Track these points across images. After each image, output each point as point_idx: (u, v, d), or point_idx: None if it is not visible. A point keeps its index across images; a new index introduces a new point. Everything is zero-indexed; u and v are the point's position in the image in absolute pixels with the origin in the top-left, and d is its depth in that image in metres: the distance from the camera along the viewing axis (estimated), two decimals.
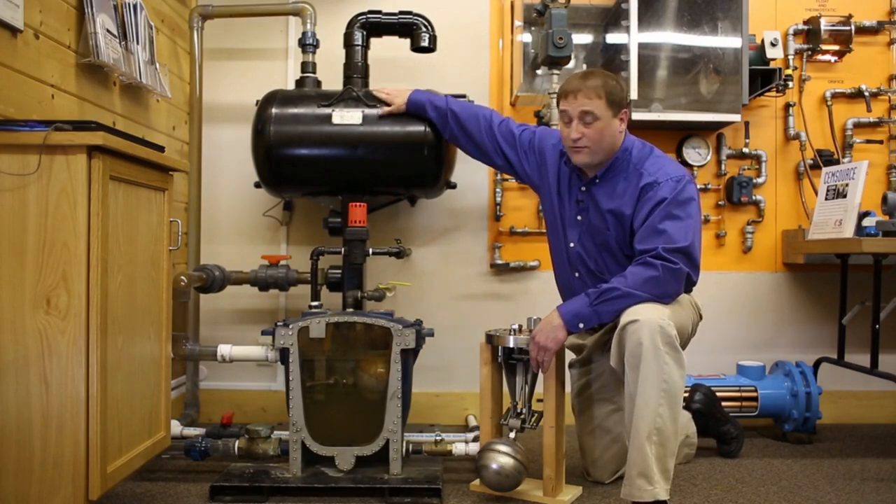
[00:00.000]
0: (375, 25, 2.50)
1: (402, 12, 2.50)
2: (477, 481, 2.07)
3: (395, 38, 2.55)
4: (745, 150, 2.90)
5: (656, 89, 2.69)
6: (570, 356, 2.17)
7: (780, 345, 2.91)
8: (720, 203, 2.90)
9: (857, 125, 2.92)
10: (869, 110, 2.90)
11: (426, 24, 2.50)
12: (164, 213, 1.87)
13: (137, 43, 2.19)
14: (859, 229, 2.47)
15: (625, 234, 2.00)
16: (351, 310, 2.34)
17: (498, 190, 2.82)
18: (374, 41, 2.55)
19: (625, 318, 1.82)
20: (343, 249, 2.39)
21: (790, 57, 2.88)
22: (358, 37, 2.48)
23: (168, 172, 1.88)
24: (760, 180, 2.90)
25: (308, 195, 2.56)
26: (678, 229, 1.89)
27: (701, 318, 2.09)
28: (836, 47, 2.88)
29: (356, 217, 2.30)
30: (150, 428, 1.82)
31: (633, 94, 2.62)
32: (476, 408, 2.44)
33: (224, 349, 2.28)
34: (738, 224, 2.92)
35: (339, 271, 2.45)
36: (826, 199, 2.64)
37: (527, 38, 2.72)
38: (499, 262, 2.84)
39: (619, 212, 1.99)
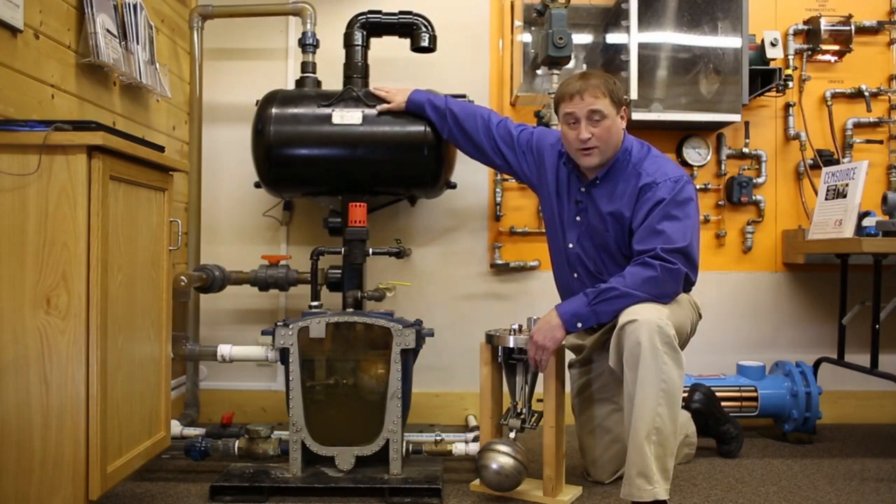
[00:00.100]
0: (375, 25, 2.50)
1: (402, 12, 2.50)
2: (477, 481, 2.07)
3: (395, 38, 2.55)
4: (745, 150, 2.90)
5: (656, 89, 2.69)
6: (569, 356, 2.17)
7: (780, 345, 2.91)
8: (720, 203, 2.90)
9: (857, 125, 2.92)
10: (869, 110, 2.90)
11: (426, 24, 2.50)
12: (164, 213, 1.87)
13: (137, 43, 2.19)
14: (859, 229, 2.47)
15: (624, 235, 2.00)
16: (351, 310, 2.34)
17: (498, 190, 2.82)
18: (374, 41, 2.55)
19: (623, 318, 1.82)
20: (343, 249, 2.39)
21: (790, 57, 2.88)
22: (358, 37, 2.48)
23: (168, 172, 1.88)
24: (760, 180, 2.90)
25: (308, 195, 2.56)
26: (676, 230, 1.89)
27: (700, 317, 2.09)
28: (836, 47, 2.88)
29: (356, 217, 2.30)
30: (150, 428, 1.82)
31: (633, 94, 2.62)
32: (476, 408, 2.44)
33: (224, 349, 2.28)
34: (738, 224, 2.92)
35: (339, 271, 2.45)
36: (826, 199, 2.64)
37: (527, 38, 2.72)
38: (499, 262, 2.84)
39: (618, 213, 1.99)
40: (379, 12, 2.49)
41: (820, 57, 2.90)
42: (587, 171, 2.05)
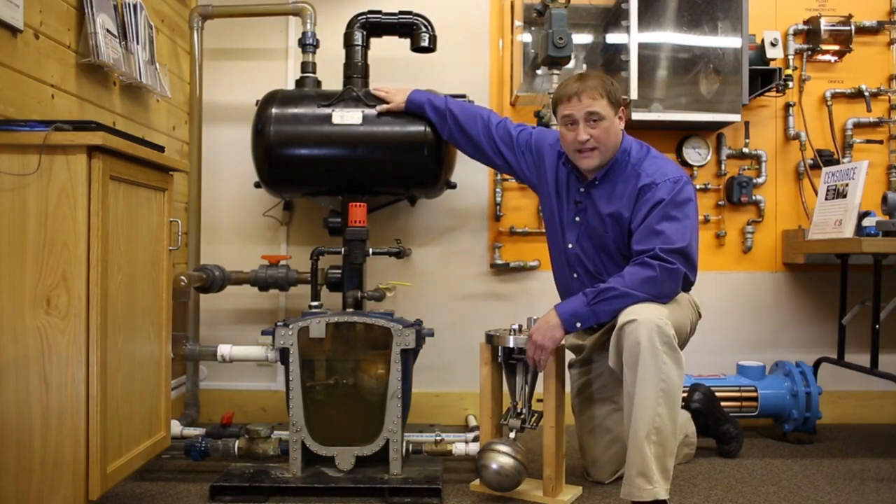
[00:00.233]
0: (375, 25, 2.50)
1: (402, 12, 2.50)
2: (477, 481, 2.07)
3: (395, 38, 2.55)
4: (745, 150, 2.90)
5: (656, 89, 2.69)
6: (569, 356, 2.17)
7: (780, 345, 2.91)
8: (720, 203, 2.90)
9: (857, 125, 2.92)
10: (869, 110, 2.90)
11: (426, 24, 2.50)
12: (164, 213, 1.87)
13: (137, 43, 2.19)
14: (859, 229, 2.47)
15: (623, 235, 2.00)
16: (351, 310, 2.34)
17: (498, 190, 2.82)
18: (374, 41, 2.55)
19: (622, 318, 1.82)
20: (343, 249, 2.39)
21: (790, 57, 2.88)
22: (358, 37, 2.49)
23: (168, 172, 1.88)
24: (760, 180, 2.90)
25: (308, 195, 2.56)
26: (675, 230, 1.89)
27: (700, 316, 2.09)
28: (836, 47, 2.88)
29: (356, 217, 2.30)
30: (150, 428, 1.82)
31: (633, 94, 2.62)
32: (476, 408, 2.45)
33: (224, 349, 2.28)
34: (738, 224, 2.92)
35: (339, 271, 2.45)
36: (826, 199, 2.64)
37: (527, 38, 2.72)
38: (499, 262, 2.84)
39: (617, 214, 1.99)
40: (379, 12, 2.50)
41: (820, 57, 2.90)
42: (586, 171, 2.05)
